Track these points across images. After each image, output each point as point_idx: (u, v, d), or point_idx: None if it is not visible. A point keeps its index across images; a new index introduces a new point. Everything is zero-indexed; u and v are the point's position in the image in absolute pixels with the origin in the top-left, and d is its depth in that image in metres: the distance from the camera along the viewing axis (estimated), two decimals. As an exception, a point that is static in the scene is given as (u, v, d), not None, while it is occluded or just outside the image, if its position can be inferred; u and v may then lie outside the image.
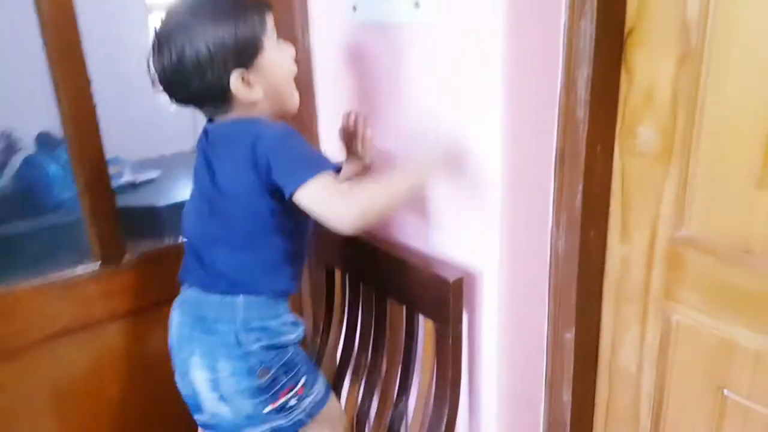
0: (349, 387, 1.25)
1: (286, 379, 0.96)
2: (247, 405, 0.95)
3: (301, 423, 0.99)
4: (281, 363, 0.96)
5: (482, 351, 1.06)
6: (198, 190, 0.99)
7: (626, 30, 0.97)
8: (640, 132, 0.99)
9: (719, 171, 0.91)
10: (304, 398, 0.99)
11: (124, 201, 1.46)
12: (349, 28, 1.15)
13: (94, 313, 1.21)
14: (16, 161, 1.71)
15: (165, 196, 2.12)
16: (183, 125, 2.53)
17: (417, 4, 0.98)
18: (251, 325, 0.94)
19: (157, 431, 1.32)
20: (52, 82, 1.12)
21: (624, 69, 0.99)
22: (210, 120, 0.99)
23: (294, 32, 1.24)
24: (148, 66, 0.91)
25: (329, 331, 1.29)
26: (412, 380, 1.12)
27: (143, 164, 2.34)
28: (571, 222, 1.04)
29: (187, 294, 1.00)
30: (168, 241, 1.62)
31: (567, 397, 1.13)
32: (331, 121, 1.23)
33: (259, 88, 0.91)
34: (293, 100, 0.99)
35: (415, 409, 1.10)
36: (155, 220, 1.94)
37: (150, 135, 1.54)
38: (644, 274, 1.05)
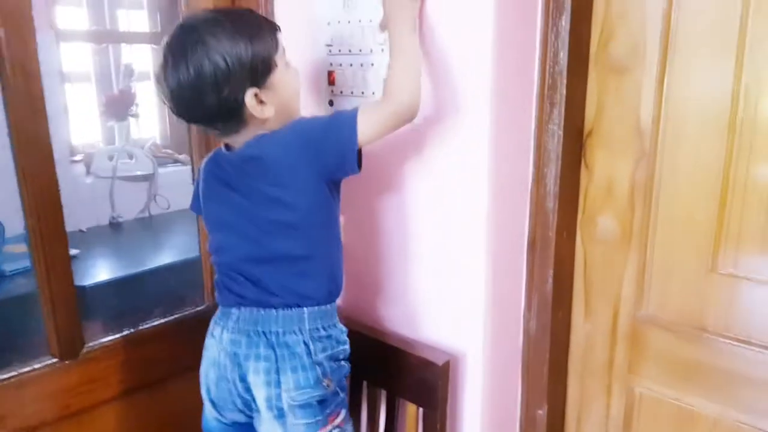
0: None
1: (338, 399, 0.96)
2: (301, 427, 0.93)
3: None
4: (339, 377, 0.96)
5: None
6: (227, 219, 0.97)
7: (585, 132, 1.08)
8: (600, 221, 1.09)
9: (674, 256, 1.02)
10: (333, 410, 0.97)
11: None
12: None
13: (53, 411, 1.10)
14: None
15: (88, 274, 1.98)
16: (100, 197, 2.41)
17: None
18: (318, 334, 0.94)
19: None
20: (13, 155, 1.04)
21: (584, 165, 1.09)
22: (219, 151, 0.99)
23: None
24: (159, 82, 0.89)
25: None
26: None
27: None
28: (542, 304, 1.10)
29: (240, 313, 0.95)
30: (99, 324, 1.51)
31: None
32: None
33: (271, 106, 0.91)
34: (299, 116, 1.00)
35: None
36: (86, 300, 1.80)
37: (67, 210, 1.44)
38: (608, 350, 1.13)
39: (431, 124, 1.01)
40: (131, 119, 2.51)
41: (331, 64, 1.12)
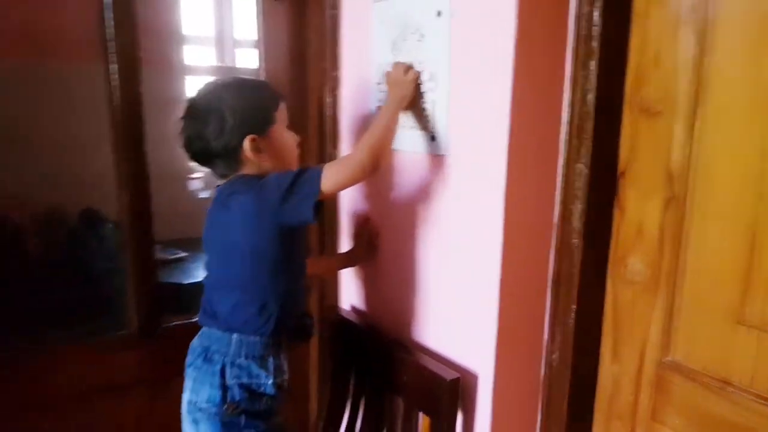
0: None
1: (247, 429, 1.06)
2: None
3: None
4: (249, 411, 1.06)
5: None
6: (207, 247, 1.13)
7: (619, 171, 1.09)
8: (630, 263, 1.09)
9: (701, 304, 1.00)
10: None
11: (170, 278, 1.60)
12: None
13: (124, 377, 1.32)
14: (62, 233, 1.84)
15: (190, 274, 2.25)
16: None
17: (433, 138, 1.13)
18: (237, 361, 1.06)
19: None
20: (116, 172, 1.27)
21: (617, 205, 1.10)
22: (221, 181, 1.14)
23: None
24: (179, 129, 1.08)
25: (331, 419, 1.35)
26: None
27: (173, 244, 2.50)
28: (565, 339, 1.12)
29: (202, 331, 1.12)
30: (189, 316, 1.74)
31: None
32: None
33: (266, 155, 1.08)
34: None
35: None
36: (180, 296, 2.05)
37: (180, 219, 1.69)
38: (633, 395, 1.11)
39: (457, 160, 1.09)
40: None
41: (379, 100, 1.24)
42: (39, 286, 1.68)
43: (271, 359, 1.08)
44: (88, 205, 1.78)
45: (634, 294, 1.09)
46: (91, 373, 1.30)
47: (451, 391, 1.06)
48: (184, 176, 1.51)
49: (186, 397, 1.09)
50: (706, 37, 0.95)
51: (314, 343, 1.57)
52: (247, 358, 1.06)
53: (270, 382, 1.08)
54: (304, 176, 1.03)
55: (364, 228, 1.35)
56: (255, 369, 1.06)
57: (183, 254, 2.52)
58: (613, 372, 1.14)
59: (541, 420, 1.17)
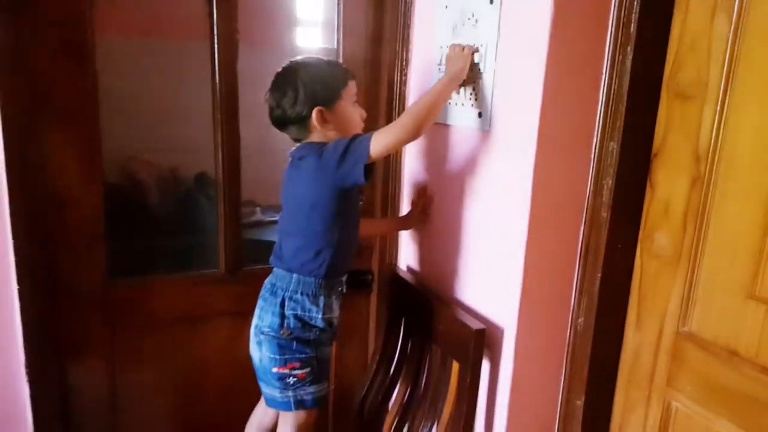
0: (392, 408, 1.49)
1: (297, 355, 1.26)
2: (267, 357, 1.27)
3: (287, 405, 1.29)
4: (301, 338, 1.26)
5: (497, 398, 1.25)
6: (282, 201, 1.33)
7: (653, 152, 1.16)
8: (656, 237, 1.16)
9: (717, 279, 1.06)
10: (299, 387, 1.27)
11: (252, 235, 1.85)
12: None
13: (215, 307, 1.59)
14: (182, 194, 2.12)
15: (266, 232, 2.55)
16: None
17: (480, 115, 1.25)
18: (294, 296, 1.26)
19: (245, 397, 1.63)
20: (213, 141, 1.52)
21: (649, 183, 1.17)
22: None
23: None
24: (265, 100, 1.29)
25: (383, 361, 1.54)
26: (440, 411, 1.33)
27: (271, 208, 2.84)
28: (589, 305, 1.21)
29: (273, 271, 1.34)
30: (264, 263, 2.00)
31: (574, 460, 1.27)
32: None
33: (331, 125, 1.26)
34: None
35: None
36: (258, 248, 2.33)
37: (263, 186, 1.92)
38: (651, 362, 1.19)
39: (498, 135, 1.21)
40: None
41: (439, 80, 1.37)
42: (157, 232, 1.96)
43: (322, 298, 1.27)
44: (203, 169, 1.99)
45: (658, 267, 1.16)
46: (189, 300, 1.57)
47: (476, 340, 1.19)
48: (271, 148, 1.72)
49: (254, 322, 1.31)
50: (739, 25, 1.00)
51: (374, 296, 1.76)
52: (302, 294, 1.26)
53: (319, 316, 1.27)
54: (356, 143, 1.19)
55: (420, 196, 1.50)
56: (308, 304, 1.26)
57: (263, 217, 2.85)
58: (636, 340, 1.22)
59: (564, 380, 1.28)
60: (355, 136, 1.22)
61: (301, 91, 1.22)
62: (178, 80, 1.76)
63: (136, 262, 1.63)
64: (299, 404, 1.29)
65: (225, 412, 1.59)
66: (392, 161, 1.61)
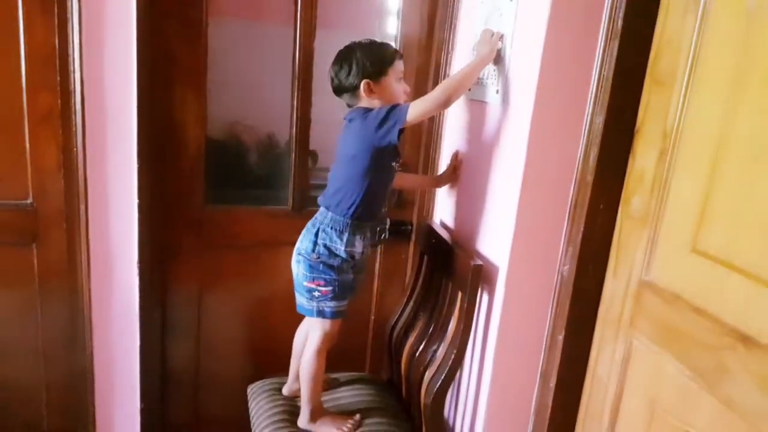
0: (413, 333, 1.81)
1: (323, 276, 1.59)
2: (301, 273, 1.62)
3: (310, 312, 1.63)
4: (326, 263, 1.59)
5: (490, 323, 1.53)
6: (336, 153, 1.65)
7: (635, 129, 1.38)
8: (633, 201, 1.39)
9: (671, 236, 1.28)
10: (321, 300, 1.60)
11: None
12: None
13: (281, 237, 1.97)
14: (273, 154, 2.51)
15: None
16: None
17: (497, 91, 1.53)
18: (326, 229, 1.59)
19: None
20: (291, 102, 1.90)
21: (631, 155, 1.39)
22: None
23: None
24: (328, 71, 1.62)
25: (411, 294, 1.87)
26: (447, 333, 1.63)
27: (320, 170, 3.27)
28: (573, 254, 1.46)
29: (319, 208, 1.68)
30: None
31: (552, 384, 1.53)
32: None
33: (376, 95, 1.56)
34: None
35: (445, 348, 1.62)
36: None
37: (326, 154, 2.24)
38: (620, 305, 1.42)
39: (508, 109, 1.48)
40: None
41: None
42: (251, 181, 2.33)
43: (346, 235, 1.58)
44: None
45: (631, 226, 1.39)
46: (264, 230, 2.00)
47: (474, 273, 1.48)
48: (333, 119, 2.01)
49: (296, 245, 1.66)
50: (702, 25, 1.21)
51: (413, 243, 2.08)
52: (332, 228, 1.58)
53: (342, 248, 1.58)
54: (396, 111, 1.49)
55: (453, 159, 1.80)
56: (334, 237, 1.58)
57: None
58: (612, 287, 1.45)
59: (550, 319, 1.53)
60: (394, 106, 1.52)
61: (354, 66, 1.54)
62: (274, 58, 2.10)
63: (227, 196, 2.05)
64: (320, 313, 1.62)
65: (285, 320, 1.90)
66: (434, 130, 1.91)
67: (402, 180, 1.69)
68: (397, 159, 1.62)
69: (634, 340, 1.37)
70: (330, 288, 1.60)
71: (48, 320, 1.90)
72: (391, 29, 1.96)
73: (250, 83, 1.98)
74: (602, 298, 1.49)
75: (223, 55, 1.90)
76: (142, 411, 1.97)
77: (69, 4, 1.66)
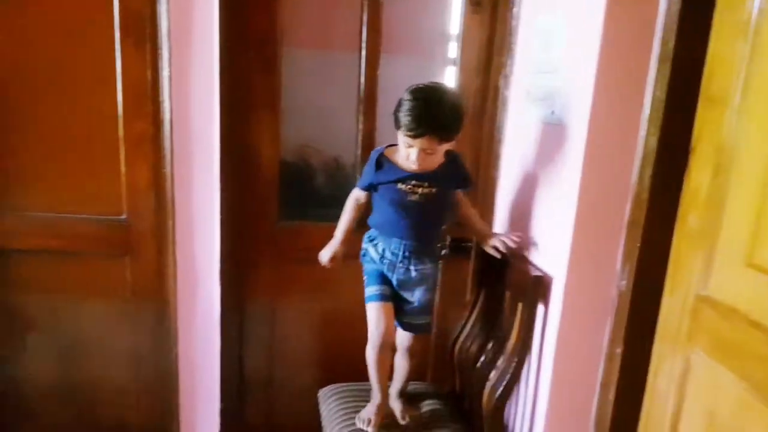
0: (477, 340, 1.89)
1: (365, 268, 1.81)
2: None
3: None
4: (365, 257, 1.80)
5: (546, 336, 1.59)
6: None
7: (691, 147, 1.41)
8: (689, 219, 1.41)
9: (726, 251, 1.30)
10: (366, 287, 1.78)
11: None
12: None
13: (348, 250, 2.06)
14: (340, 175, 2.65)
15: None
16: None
17: (553, 113, 1.60)
18: (367, 237, 1.80)
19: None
20: (356, 126, 2.03)
21: (686, 173, 1.43)
22: None
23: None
24: None
25: (474, 304, 1.95)
26: (507, 345, 1.70)
27: None
28: (631, 270, 1.50)
29: None
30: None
31: (611, 396, 1.56)
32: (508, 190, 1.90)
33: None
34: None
35: (506, 357, 1.69)
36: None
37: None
38: (678, 320, 1.44)
39: (564, 128, 1.55)
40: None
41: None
42: (319, 200, 2.47)
43: (371, 242, 1.78)
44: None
45: (688, 243, 1.42)
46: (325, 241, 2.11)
47: (534, 283, 1.55)
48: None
49: None
50: (755, 47, 1.24)
51: (472, 261, 2.16)
52: (368, 236, 1.80)
53: (370, 251, 1.78)
54: (366, 169, 1.78)
55: (510, 235, 1.77)
56: (366, 242, 1.80)
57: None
58: (669, 303, 1.48)
59: (608, 332, 1.57)
60: (376, 160, 1.72)
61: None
62: (340, 85, 2.24)
63: (299, 214, 2.20)
64: (366, 298, 1.79)
65: (353, 329, 1.94)
66: (492, 148, 1.99)
67: (464, 210, 1.81)
68: (407, 199, 1.69)
69: (692, 354, 1.40)
70: (366, 278, 1.81)
71: (138, 326, 2.11)
72: (451, 53, 2.06)
73: (318, 108, 2.14)
74: (660, 312, 1.51)
75: (295, 83, 2.06)
76: (222, 411, 2.14)
77: (160, 41, 1.86)
